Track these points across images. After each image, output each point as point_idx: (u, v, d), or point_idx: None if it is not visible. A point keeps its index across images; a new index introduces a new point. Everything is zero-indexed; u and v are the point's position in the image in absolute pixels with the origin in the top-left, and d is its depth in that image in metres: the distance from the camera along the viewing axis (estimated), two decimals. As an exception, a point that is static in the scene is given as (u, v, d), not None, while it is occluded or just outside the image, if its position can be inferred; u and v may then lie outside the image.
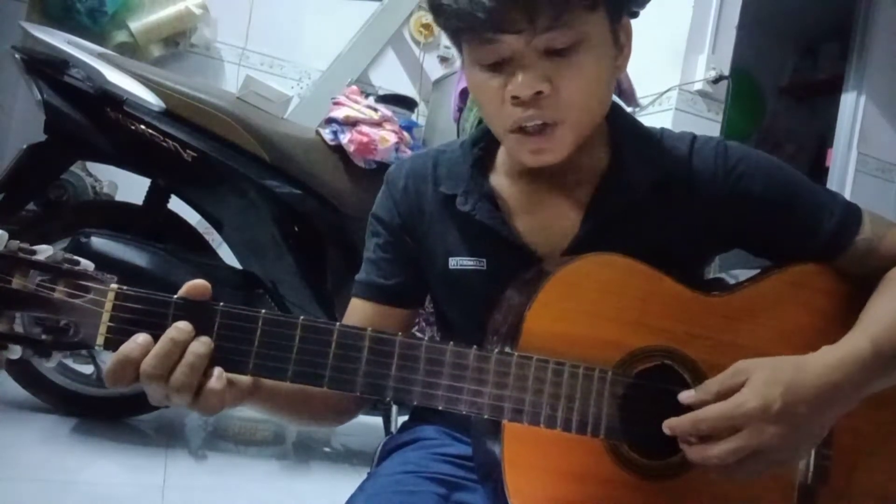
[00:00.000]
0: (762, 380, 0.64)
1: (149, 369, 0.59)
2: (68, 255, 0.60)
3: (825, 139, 3.14)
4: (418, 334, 1.76)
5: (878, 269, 0.78)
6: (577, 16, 0.68)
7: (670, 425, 0.66)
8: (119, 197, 2.45)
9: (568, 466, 0.69)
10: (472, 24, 0.68)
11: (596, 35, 0.70)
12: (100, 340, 0.59)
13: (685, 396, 0.67)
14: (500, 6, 0.65)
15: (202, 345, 0.61)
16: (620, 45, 0.75)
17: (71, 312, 0.59)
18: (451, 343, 0.65)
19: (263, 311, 0.62)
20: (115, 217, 1.94)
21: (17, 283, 0.58)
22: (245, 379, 0.65)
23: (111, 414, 2.01)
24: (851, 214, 0.79)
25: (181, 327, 0.60)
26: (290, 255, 1.93)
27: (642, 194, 0.77)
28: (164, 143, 1.77)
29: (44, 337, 0.59)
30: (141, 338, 0.59)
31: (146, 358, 0.59)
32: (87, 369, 2.03)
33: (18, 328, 0.59)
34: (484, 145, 0.83)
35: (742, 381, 0.65)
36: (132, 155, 1.85)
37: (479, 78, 0.73)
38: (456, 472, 0.80)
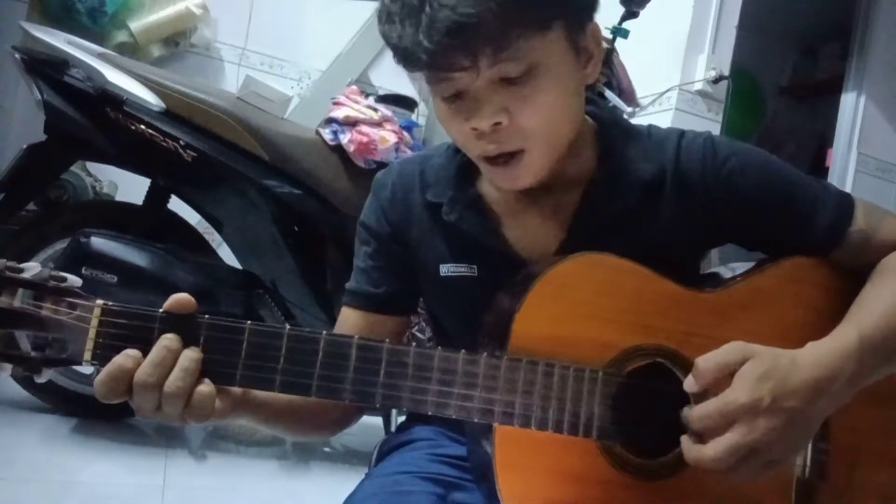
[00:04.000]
0: (754, 375, 0.63)
1: (143, 377, 0.60)
2: (55, 273, 0.61)
3: (825, 139, 3.14)
4: (418, 334, 1.76)
5: (872, 260, 0.77)
6: (524, 43, 0.66)
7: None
8: (119, 197, 2.46)
9: (561, 467, 0.68)
10: (419, 64, 0.67)
11: (552, 55, 0.69)
12: (87, 356, 0.60)
13: (689, 385, 0.66)
14: (439, 48, 0.64)
15: (195, 351, 0.61)
16: (588, 52, 0.74)
17: (58, 329, 0.60)
18: (440, 348, 0.65)
19: (249, 322, 0.62)
20: (115, 217, 1.94)
21: (3, 301, 0.59)
22: (237, 390, 0.65)
23: (111, 414, 2.01)
24: (844, 205, 0.78)
25: (171, 337, 0.61)
26: (290, 255, 1.94)
27: (630, 196, 0.77)
28: (164, 143, 1.77)
29: (33, 354, 0.60)
30: (132, 351, 0.60)
31: (141, 367, 0.60)
32: (87, 369, 2.02)
33: (25, 345, 0.59)
34: None
35: (738, 360, 0.64)
36: (132, 155, 1.85)
37: (441, 108, 0.73)
38: (453, 472, 0.80)
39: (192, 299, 0.62)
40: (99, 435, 1.88)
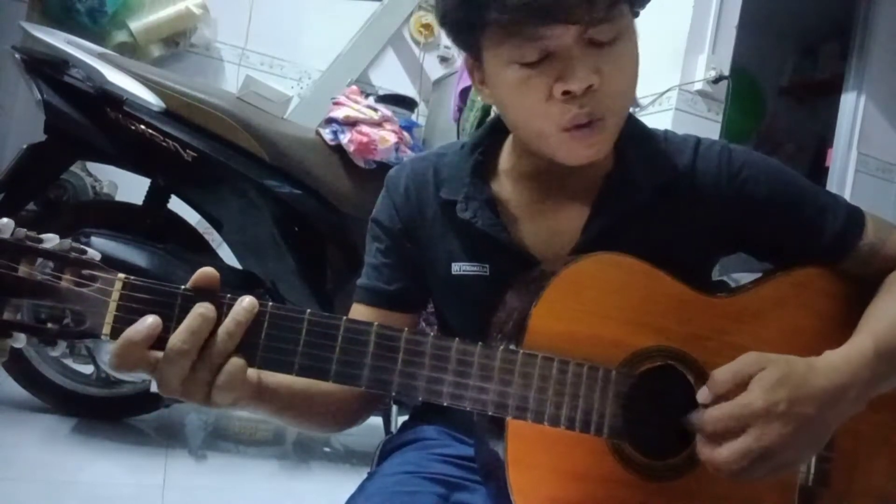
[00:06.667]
0: (771, 380, 0.64)
1: (180, 340, 0.58)
2: (75, 244, 0.59)
3: (825, 139, 3.14)
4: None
5: (880, 272, 0.78)
6: (621, 8, 0.68)
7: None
8: (119, 197, 2.46)
9: (571, 465, 0.69)
10: (521, 16, 0.65)
11: (630, 26, 0.71)
12: (106, 330, 0.59)
13: (703, 397, 0.66)
14: None
15: (244, 310, 0.60)
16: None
17: (77, 301, 0.58)
18: (457, 339, 0.65)
19: (271, 303, 0.62)
20: (115, 217, 1.94)
21: (23, 270, 0.57)
22: (251, 379, 0.64)
23: (111, 414, 2.01)
24: (854, 217, 0.79)
25: (210, 306, 0.60)
26: (290, 255, 1.93)
27: (645, 198, 0.77)
28: (164, 143, 1.77)
29: (49, 325, 0.58)
30: (150, 319, 0.58)
31: (175, 333, 0.58)
32: (87, 369, 2.03)
33: (21, 316, 0.58)
34: (484, 149, 0.82)
35: (754, 371, 0.64)
36: (132, 155, 1.85)
37: (517, 77, 0.70)
38: (456, 472, 0.80)
39: (216, 273, 0.61)
40: (99, 435, 1.88)
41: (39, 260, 0.58)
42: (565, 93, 0.68)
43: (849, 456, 0.77)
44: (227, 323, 0.60)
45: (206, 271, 0.61)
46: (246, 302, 0.61)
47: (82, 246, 0.60)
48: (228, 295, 0.61)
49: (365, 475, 0.84)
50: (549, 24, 0.66)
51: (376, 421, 2.00)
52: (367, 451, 2.18)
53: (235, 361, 0.60)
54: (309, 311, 0.63)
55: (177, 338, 0.58)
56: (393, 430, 1.43)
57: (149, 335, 0.58)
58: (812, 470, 0.75)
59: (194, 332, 0.59)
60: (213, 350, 0.60)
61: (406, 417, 0.96)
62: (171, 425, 2.10)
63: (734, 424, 0.63)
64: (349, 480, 0.83)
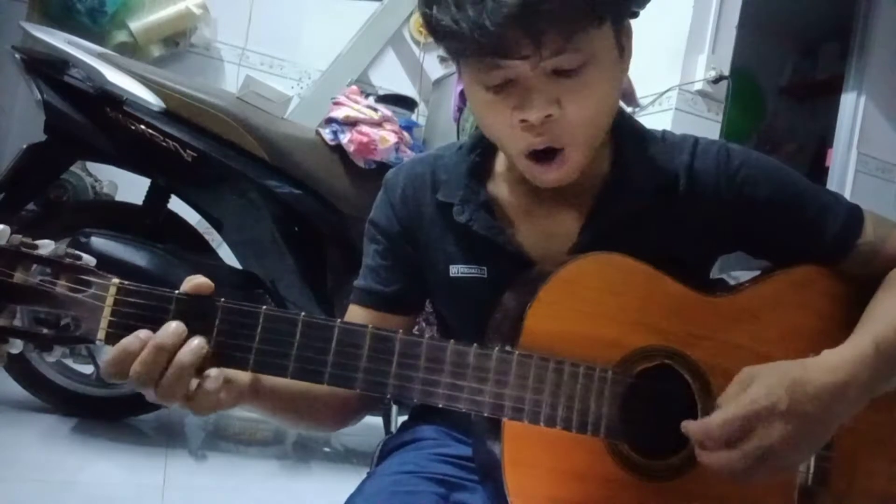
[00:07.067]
0: (768, 381, 0.64)
1: (136, 374, 0.59)
2: (70, 250, 0.60)
3: (825, 139, 3.14)
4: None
5: (880, 271, 0.78)
6: (584, 35, 0.65)
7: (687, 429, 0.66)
8: (119, 197, 2.46)
9: (568, 466, 0.68)
10: (474, 49, 0.65)
11: (603, 50, 0.69)
12: (101, 335, 0.59)
13: (691, 427, 0.66)
14: (504, 30, 0.62)
15: (191, 352, 0.59)
16: (623, 49, 0.73)
17: (72, 306, 0.59)
18: (452, 341, 0.65)
19: (265, 307, 0.62)
20: (115, 217, 1.94)
21: (18, 277, 0.58)
22: (244, 380, 0.65)
23: (111, 414, 2.01)
24: (854, 217, 0.79)
25: (171, 330, 0.59)
26: (290, 255, 1.93)
27: (644, 199, 0.77)
28: (164, 143, 1.77)
29: (45, 331, 0.59)
30: (143, 333, 0.59)
31: (134, 363, 0.59)
32: (87, 369, 2.03)
33: (17, 322, 0.59)
34: (481, 151, 0.82)
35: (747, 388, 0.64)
36: (132, 155, 1.85)
37: (483, 99, 0.70)
38: (455, 472, 0.80)
39: (210, 282, 0.62)
40: (99, 435, 1.88)
41: (35, 266, 0.59)
42: (522, 121, 0.68)
43: (848, 455, 0.76)
44: (174, 365, 0.59)
45: (198, 282, 0.62)
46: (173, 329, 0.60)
47: (77, 251, 0.61)
48: (222, 299, 0.62)
49: (365, 475, 0.84)
50: (502, 58, 0.65)
51: (376, 421, 2.00)
52: (367, 451, 2.17)
53: (208, 385, 0.60)
54: (303, 313, 0.63)
55: (134, 369, 0.59)
56: (393, 430, 1.43)
57: (143, 347, 0.59)
58: (812, 469, 0.75)
59: (152, 363, 0.59)
60: (172, 375, 0.60)
61: (406, 417, 0.96)
62: (171, 425, 2.10)
63: (738, 428, 0.62)
64: (349, 480, 0.83)
